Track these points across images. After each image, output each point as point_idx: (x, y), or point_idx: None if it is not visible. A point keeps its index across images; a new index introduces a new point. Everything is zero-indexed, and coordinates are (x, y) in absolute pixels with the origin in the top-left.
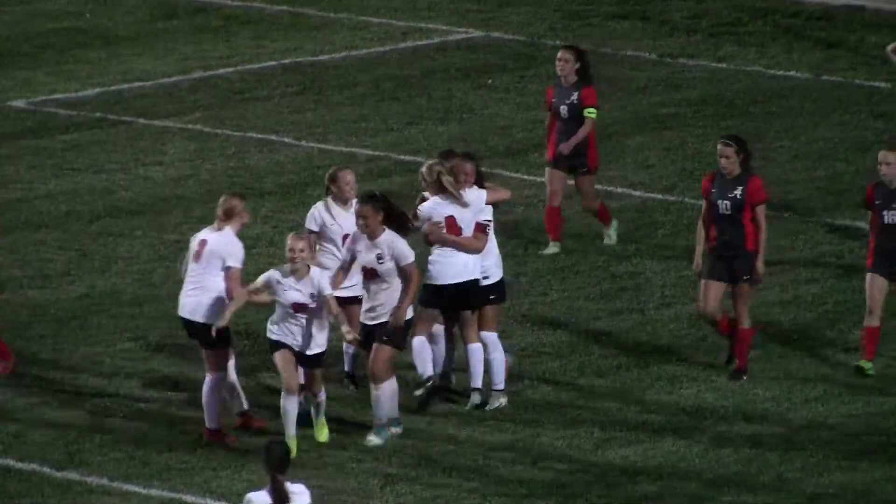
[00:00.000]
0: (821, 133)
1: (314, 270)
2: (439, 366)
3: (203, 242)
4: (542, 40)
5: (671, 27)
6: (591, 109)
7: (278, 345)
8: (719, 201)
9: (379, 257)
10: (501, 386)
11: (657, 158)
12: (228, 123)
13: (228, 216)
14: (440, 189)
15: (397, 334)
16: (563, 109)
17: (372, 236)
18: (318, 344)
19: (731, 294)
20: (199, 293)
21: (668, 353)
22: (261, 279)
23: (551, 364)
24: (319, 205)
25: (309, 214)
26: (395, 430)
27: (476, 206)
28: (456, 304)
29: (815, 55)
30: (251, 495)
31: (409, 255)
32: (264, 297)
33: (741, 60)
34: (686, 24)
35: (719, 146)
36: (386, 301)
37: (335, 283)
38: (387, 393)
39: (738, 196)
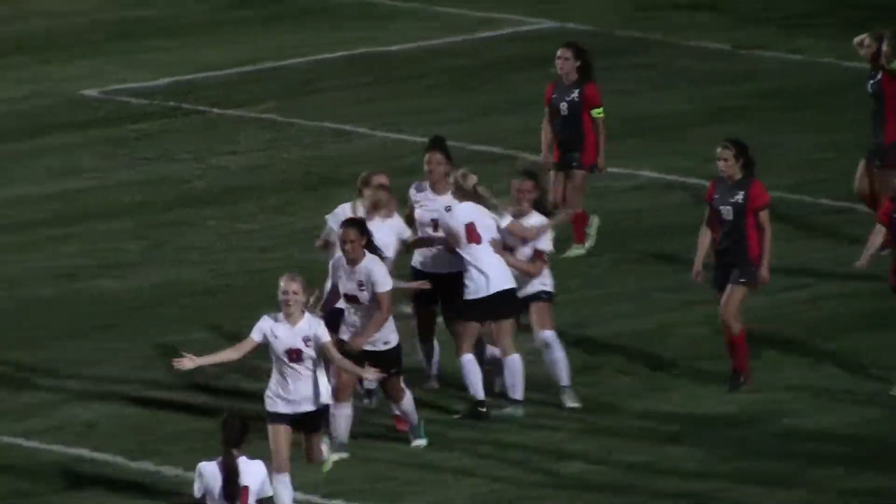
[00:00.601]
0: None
1: (307, 316)
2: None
3: None
4: (614, 31)
5: (743, 18)
6: (599, 109)
7: (276, 417)
8: (721, 207)
9: (360, 284)
10: (568, 382)
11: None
12: (302, 113)
13: (376, 207)
14: (471, 196)
15: (396, 362)
16: (564, 106)
17: (354, 262)
18: (318, 401)
19: (725, 295)
20: None
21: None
22: (255, 335)
23: (628, 355)
24: (346, 206)
25: (333, 213)
26: (342, 455)
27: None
28: (496, 314)
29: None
30: (202, 465)
31: (386, 284)
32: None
33: (813, 52)
34: (758, 15)
35: (718, 149)
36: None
37: (329, 304)
38: (409, 403)
39: (740, 201)
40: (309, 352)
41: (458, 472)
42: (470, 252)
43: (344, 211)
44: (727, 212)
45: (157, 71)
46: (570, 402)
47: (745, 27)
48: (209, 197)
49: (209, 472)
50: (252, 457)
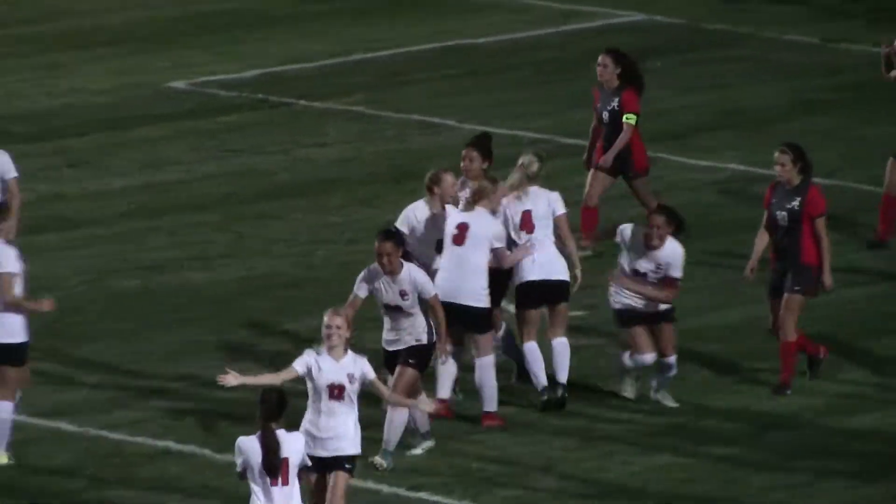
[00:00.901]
0: None
1: (351, 353)
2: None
3: (464, 226)
4: (703, 24)
5: (831, 11)
6: (630, 115)
7: (315, 465)
8: (777, 212)
9: (402, 293)
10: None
11: (817, 143)
12: (390, 105)
13: (478, 198)
14: (535, 182)
15: (422, 358)
16: (605, 115)
17: (393, 273)
18: (352, 444)
19: (783, 305)
20: (463, 276)
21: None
22: (298, 366)
23: (713, 349)
24: (416, 205)
25: (403, 214)
26: (428, 444)
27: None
28: (545, 300)
29: None
30: (241, 440)
31: (432, 288)
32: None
33: None
34: (846, 8)
35: (776, 154)
36: (409, 327)
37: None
38: (403, 417)
39: (796, 207)
40: (351, 389)
41: (543, 465)
42: (521, 240)
43: (414, 211)
44: (782, 217)
45: (245, 63)
46: (670, 402)
47: (833, 20)
48: (296, 189)
49: (249, 447)
50: (290, 429)
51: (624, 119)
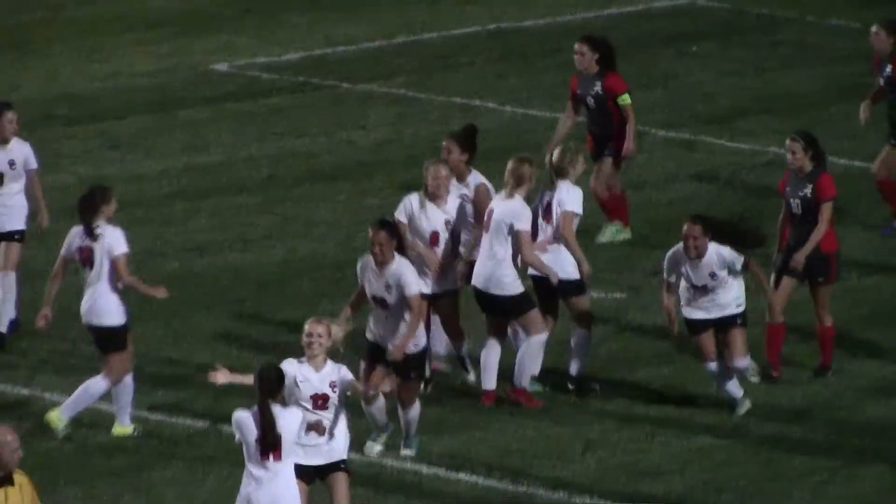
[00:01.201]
0: None
1: (330, 362)
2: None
3: (490, 212)
4: (746, 8)
5: None
6: (624, 96)
7: (304, 473)
8: (791, 200)
9: (387, 287)
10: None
11: (858, 128)
12: (431, 88)
13: (519, 182)
14: (565, 176)
15: (420, 366)
16: (590, 100)
17: (383, 265)
18: (339, 449)
19: (811, 296)
20: (489, 264)
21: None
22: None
23: (758, 334)
24: (414, 195)
25: (401, 204)
26: (385, 436)
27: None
28: (558, 296)
29: None
30: (238, 415)
31: (414, 286)
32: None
33: None
34: None
35: (787, 142)
36: (392, 327)
37: (345, 316)
38: (416, 413)
39: (808, 195)
40: (335, 398)
41: (583, 446)
42: (543, 229)
43: (411, 200)
44: (796, 205)
45: (288, 46)
46: (743, 410)
47: (874, 6)
48: (338, 172)
49: (245, 423)
50: (285, 405)
51: (620, 102)
